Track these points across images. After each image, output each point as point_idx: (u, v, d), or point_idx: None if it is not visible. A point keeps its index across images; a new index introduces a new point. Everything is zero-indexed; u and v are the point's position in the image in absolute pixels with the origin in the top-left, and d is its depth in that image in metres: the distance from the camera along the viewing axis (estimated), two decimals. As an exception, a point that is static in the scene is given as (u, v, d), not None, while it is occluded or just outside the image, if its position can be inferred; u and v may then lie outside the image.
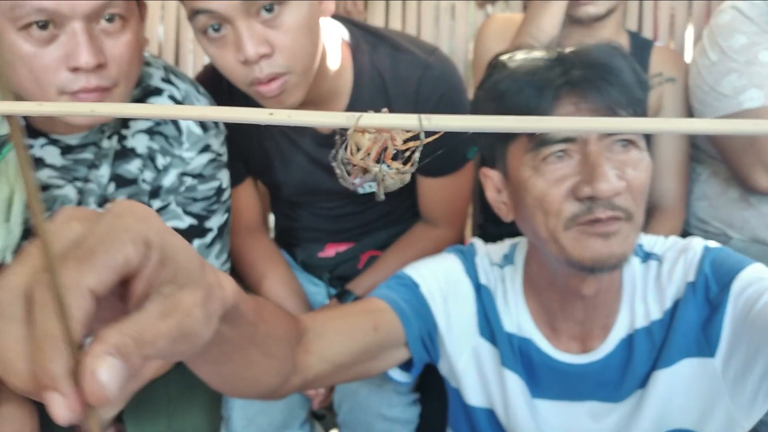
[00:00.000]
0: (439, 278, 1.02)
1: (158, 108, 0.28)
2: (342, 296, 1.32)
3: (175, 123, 1.05)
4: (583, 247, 0.85)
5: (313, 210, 1.37)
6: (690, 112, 1.52)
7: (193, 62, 1.82)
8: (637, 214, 0.86)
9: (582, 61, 0.86)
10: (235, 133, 1.17)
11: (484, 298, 1.01)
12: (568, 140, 0.85)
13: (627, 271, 0.96)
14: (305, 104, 1.17)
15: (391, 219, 1.39)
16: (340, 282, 1.38)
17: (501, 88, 0.90)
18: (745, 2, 1.40)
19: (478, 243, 1.07)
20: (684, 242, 0.97)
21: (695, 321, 0.92)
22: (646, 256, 0.98)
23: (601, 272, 0.87)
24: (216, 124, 1.08)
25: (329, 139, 1.19)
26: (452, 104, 1.21)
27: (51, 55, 0.88)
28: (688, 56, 1.70)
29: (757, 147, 1.37)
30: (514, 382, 0.99)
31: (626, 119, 0.27)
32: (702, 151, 1.57)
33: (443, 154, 1.25)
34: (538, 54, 0.89)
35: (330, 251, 1.41)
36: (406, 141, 0.36)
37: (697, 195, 1.55)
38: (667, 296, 0.94)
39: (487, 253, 1.05)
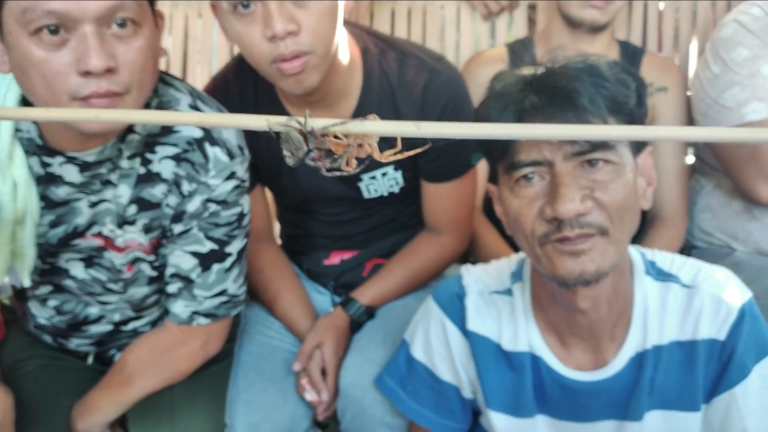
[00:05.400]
0: (444, 353, 1.06)
1: (159, 114, 0.29)
2: (346, 304, 1.33)
3: (202, 150, 1.04)
4: (554, 265, 0.88)
5: (318, 216, 1.38)
6: (691, 123, 1.53)
7: (201, 73, 1.84)
8: (615, 229, 0.87)
9: (541, 86, 0.88)
10: (245, 139, 1.19)
11: (473, 343, 1.03)
12: (536, 163, 0.88)
13: (638, 287, 0.97)
14: (316, 104, 1.20)
15: (396, 225, 1.39)
16: (345, 290, 1.38)
17: (479, 108, 0.94)
18: (748, 16, 1.41)
19: (468, 278, 1.07)
20: (718, 285, 0.97)
21: (702, 378, 0.96)
22: (663, 276, 0.98)
23: (577, 287, 0.89)
24: (242, 150, 1.08)
25: None
26: (458, 110, 1.23)
27: (62, 60, 0.88)
28: (692, 69, 1.70)
29: (759, 159, 1.38)
30: (499, 421, 1.02)
31: (607, 127, 0.28)
32: (705, 163, 1.57)
33: (447, 159, 1.27)
34: (515, 75, 0.92)
35: (335, 259, 1.41)
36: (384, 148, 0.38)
37: (701, 207, 1.56)
38: (687, 332, 0.96)
39: (483, 286, 1.05)
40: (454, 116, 1.23)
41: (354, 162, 0.39)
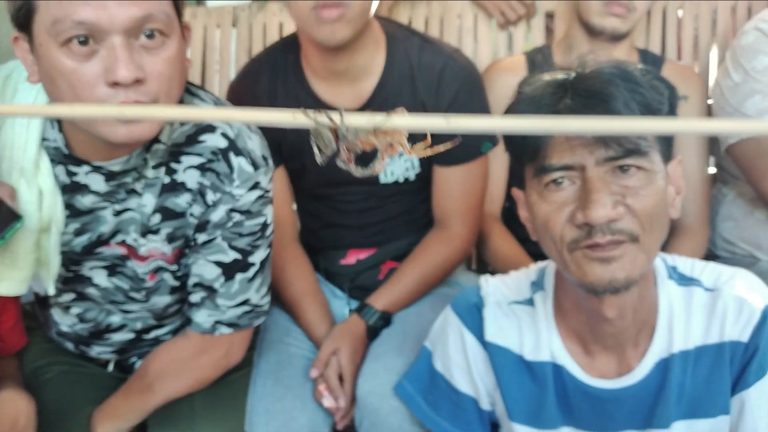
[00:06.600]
0: (462, 364, 1.05)
1: (185, 110, 0.30)
2: (362, 310, 1.34)
3: (226, 160, 1.05)
4: (583, 271, 0.87)
5: (335, 204, 1.41)
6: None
7: (219, 83, 1.85)
8: (646, 237, 0.87)
9: (575, 90, 0.88)
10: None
11: (492, 354, 1.03)
12: (567, 167, 0.87)
13: (662, 292, 0.96)
14: (341, 76, 1.31)
15: (410, 220, 1.42)
16: (361, 292, 1.40)
17: (508, 113, 0.94)
18: (769, 23, 1.40)
19: (487, 288, 1.06)
20: (740, 287, 0.96)
21: (721, 382, 0.94)
22: (686, 280, 0.97)
23: (605, 295, 0.88)
24: (266, 161, 1.09)
25: None
26: (472, 93, 1.34)
27: (91, 70, 0.89)
28: (712, 77, 1.69)
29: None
30: None
31: (638, 120, 0.28)
32: (727, 172, 1.56)
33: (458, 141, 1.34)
34: (547, 78, 0.91)
35: (351, 258, 1.43)
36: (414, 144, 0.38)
37: (723, 216, 1.54)
38: (713, 335, 0.95)
39: (502, 296, 1.04)
40: (468, 98, 1.33)
41: (383, 163, 0.39)
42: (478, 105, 1.35)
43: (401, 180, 1.36)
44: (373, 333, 1.32)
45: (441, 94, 1.31)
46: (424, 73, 1.31)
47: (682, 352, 0.95)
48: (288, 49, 1.35)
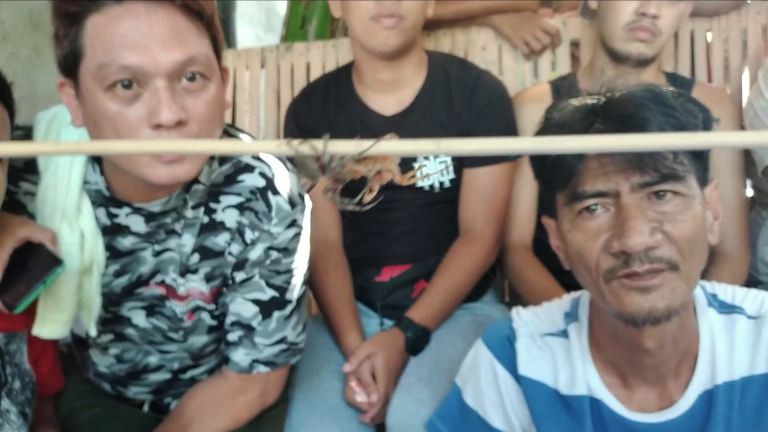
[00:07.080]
0: (495, 398, 1.03)
1: (171, 144, 0.30)
2: (401, 323, 1.37)
3: (265, 199, 1.06)
4: (622, 302, 0.84)
5: (371, 212, 1.42)
6: (746, 154, 1.48)
7: (249, 123, 1.88)
8: (686, 264, 0.84)
9: (607, 114, 0.86)
10: (318, 123, 1.48)
11: (525, 388, 1.00)
12: (600, 194, 0.84)
13: (703, 321, 0.93)
14: (386, 85, 1.48)
15: (443, 234, 1.47)
16: (393, 311, 1.43)
17: (540, 135, 0.92)
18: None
19: (519, 321, 1.03)
20: None
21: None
22: (727, 308, 0.94)
23: (645, 326, 0.85)
24: (302, 199, 1.11)
25: (399, 120, 1.49)
26: (502, 101, 1.49)
27: (135, 114, 0.90)
28: (746, 99, 1.66)
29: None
30: None
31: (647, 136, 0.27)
32: (766, 195, 1.52)
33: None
34: (576, 103, 0.90)
35: (386, 276, 1.47)
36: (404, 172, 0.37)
37: (764, 240, 1.51)
38: (759, 365, 0.91)
39: (534, 328, 1.02)
40: (499, 105, 1.48)
41: (371, 194, 0.39)
42: (507, 115, 1.49)
43: (437, 185, 1.45)
44: (412, 346, 1.35)
45: (474, 100, 1.45)
46: (460, 83, 1.47)
47: (727, 384, 0.91)
48: (340, 71, 1.58)
